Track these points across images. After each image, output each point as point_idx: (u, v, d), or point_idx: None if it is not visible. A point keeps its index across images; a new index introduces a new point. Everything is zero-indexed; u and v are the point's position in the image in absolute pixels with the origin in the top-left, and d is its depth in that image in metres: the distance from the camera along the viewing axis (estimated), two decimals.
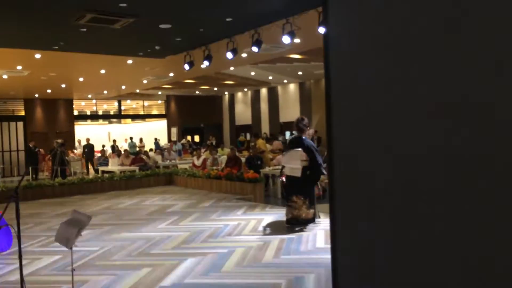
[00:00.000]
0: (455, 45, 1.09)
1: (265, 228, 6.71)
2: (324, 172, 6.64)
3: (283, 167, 7.36)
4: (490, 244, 1.04)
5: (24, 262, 3.95)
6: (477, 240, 1.07)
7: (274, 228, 6.68)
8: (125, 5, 6.90)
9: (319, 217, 6.88)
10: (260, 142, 12.88)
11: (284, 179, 7.70)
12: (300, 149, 6.56)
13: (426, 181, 1.20)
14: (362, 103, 1.28)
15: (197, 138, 25.80)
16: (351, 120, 1.30)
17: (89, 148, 18.18)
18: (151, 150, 19.23)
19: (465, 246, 1.08)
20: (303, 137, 6.73)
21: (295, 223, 6.57)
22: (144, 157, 15.17)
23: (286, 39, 8.12)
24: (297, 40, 9.23)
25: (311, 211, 6.60)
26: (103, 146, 19.61)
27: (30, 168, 15.75)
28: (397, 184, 1.27)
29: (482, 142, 1.06)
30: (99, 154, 17.53)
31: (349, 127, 1.31)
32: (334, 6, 1.34)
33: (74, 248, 3.66)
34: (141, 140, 22.40)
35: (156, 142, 22.54)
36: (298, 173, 6.53)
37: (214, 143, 20.18)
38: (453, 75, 1.12)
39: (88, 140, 18.79)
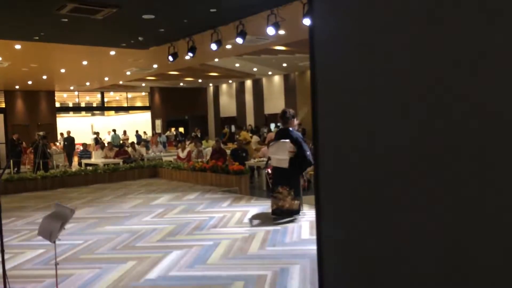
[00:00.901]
0: (440, 38, 1.10)
1: (250, 220, 6.73)
2: (312, 162, 6.65)
3: (269, 158, 7.37)
4: (476, 235, 1.05)
5: (6, 256, 3.90)
6: (462, 230, 1.09)
7: (260, 219, 6.70)
8: None
9: (303, 209, 6.93)
10: (244, 134, 12.87)
11: (269, 170, 7.71)
12: (287, 140, 6.57)
13: (412, 172, 1.21)
14: (348, 94, 1.29)
15: (181, 130, 25.67)
16: (337, 112, 1.30)
17: (69, 141, 17.67)
18: (133, 143, 19.01)
19: (451, 236, 1.10)
20: (290, 129, 6.74)
21: (280, 214, 6.59)
22: (130, 149, 15.03)
23: (270, 31, 8.10)
24: (281, 32, 9.22)
25: (296, 202, 6.63)
26: (95, 133, 19.31)
27: (11, 161, 15.48)
28: (382, 175, 1.28)
29: (468, 135, 1.07)
30: (81, 147, 17.29)
31: (334, 118, 1.31)
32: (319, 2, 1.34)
33: (57, 242, 3.62)
34: (124, 132, 22.18)
35: (138, 134, 22.31)
36: (285, 164, 6.55)
37: (199, 135, 20.08)
38: (439, 69, 1.13)
39: (68, 132, 18.36)
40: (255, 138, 14.30)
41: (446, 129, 1.09)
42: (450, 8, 1.05)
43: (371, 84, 1.22)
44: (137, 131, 22.83)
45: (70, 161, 17.15)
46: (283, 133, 6.79)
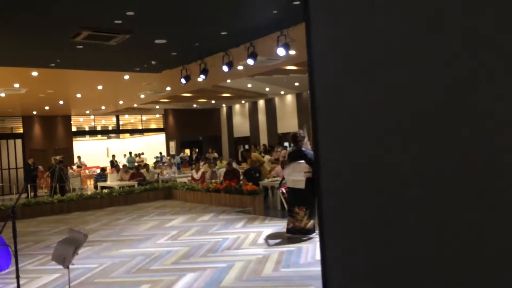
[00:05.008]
0: (439, 61, 1.11)
1: (264, 240, 6.69)
2: None
3: (283, 178, 7.36)
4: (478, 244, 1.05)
5: (22, 281, 3.94)
6: (471, 243, 1.08)
7: (274, 240, 6.66)
8: (120, 21, 6.97)
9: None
10: (255, 155, 12.87)
11: (284, 190, 7.70)
12: (302, 161, 6.60)
13: (414, 193, 1.21)
14: (348, 120, 1.30)
15: (196, 150, 25.80)
16: (337, 138, 1.31)
17: (56, 170, 14.62)
18: (147, 164, 18.46)
19: (457, 257, 1.09)
20: (303, 149, 6.77)
21: (295, 233, 6.57)
22: (144, 170, 15.11)
23: (281, 51, 8.18)
24: (292, 52, 9.30)
25: (311, 221, 6.59)
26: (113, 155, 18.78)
27: (28, 185, 15.66)
28: (384, 197, 1.28)
29: (466, 148, 1.08)
30: (99, 171, 17.40)
31: (335, 144, 1.32)
32: (316, 23, 1.36)
33: (72, 266, 3.65)
34: (139, 155, 22.38)
35: (162, 156, 22.42)
36: (301, 185, 6.55)
37: (216, 156, 20.06)
38: (438, 91, 1.14)
39: (55, 159, 15.69)
40: (267, 158, 14.29)
41: (450, 149, 1.09)
42: (453, 24, 1.06)
43: (373, 108, 1.23)
44: (160, 153, 23.00)
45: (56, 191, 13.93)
46: (296, 154, 6.81)
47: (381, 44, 1.18)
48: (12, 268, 5.64)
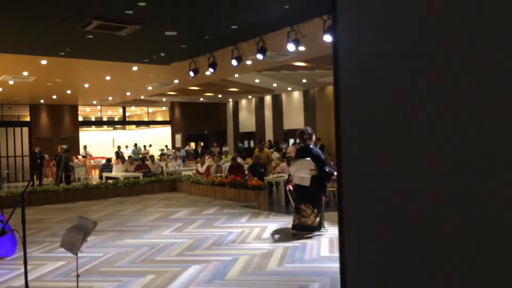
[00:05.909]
0: (463, 56, 1.10)
1: (269, 235, 6.69)
2: (333, 172, 6.74)
3: (289, 175, 7.36)
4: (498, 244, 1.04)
5: (28, 267, 3.96)
6: (488, 241, 1.07)
7: (278, 236, 6.66)
8: (131, 12, 6.96)
9: (325, 226, 6.87)
10: (267, 151, 12.84)
11: (291, 187, 7.70)
12: (309, 158, 6.59)
13: (435, 188, 1.20)
14: (372, 112, 1.29)
15: (202, 144, 25.81)
16: (360, 129, 1.30)
17: (62, 159, 14.06)
18: (152, 156, 18.52)
19: (476, 249, 1.08)
20: (311, 146, 6.77)
21: (301, 230, 6.58)
22: (149, 162, 15.14)
23: (290, 47, 8.14)
24: (301, 48, 9.26)
25: (318, 219, 6.60)
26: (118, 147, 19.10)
27: (34, 173, 15.75)
28: (406, 193, 1.27)
29: (485, 148, 1.07)
30: (104, 161, 17.45)
31: (358, 136, 1.31)
32: (343, 14, 1.35)
33: (78, 254, 3.67)
34: (144, 147, 22.43)
35: (168, 149, 22.52)
36: (307, 182, 6.56)
37: (223, 150, 20.01)
38: (461, 87, 1.12)
39: (61, 148, 15.51)
40: (276, 155, 14.27)
41: (465, 148, 1.08)
42: (486, 22, 1.05)
43: (397, 101, 1.22)
44: (166, 146, 23.09)
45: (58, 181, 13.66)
46: (303, 151, 6.81)
47: (408, 35, 1.17)
48: (18, 254, 5.69)
